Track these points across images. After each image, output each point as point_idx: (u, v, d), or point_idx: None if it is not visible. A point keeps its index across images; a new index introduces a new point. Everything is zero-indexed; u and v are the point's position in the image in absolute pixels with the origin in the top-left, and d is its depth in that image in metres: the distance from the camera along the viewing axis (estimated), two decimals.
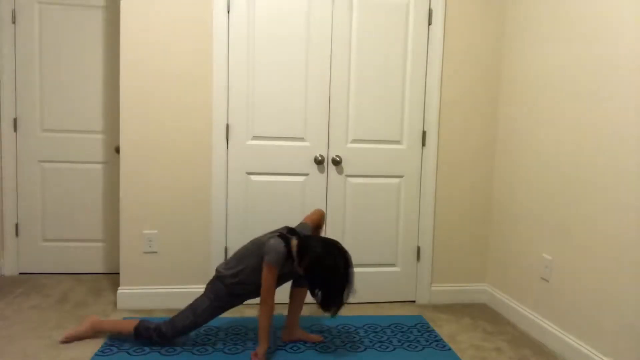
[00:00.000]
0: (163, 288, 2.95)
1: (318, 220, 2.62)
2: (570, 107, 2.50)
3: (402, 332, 2.73)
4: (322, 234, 2.68)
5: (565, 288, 2.52)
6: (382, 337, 2.66)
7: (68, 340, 2.47)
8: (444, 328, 2.82)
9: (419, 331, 2.75)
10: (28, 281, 3.34)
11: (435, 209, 3.16)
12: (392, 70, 3.05)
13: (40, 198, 3.47)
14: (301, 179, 3.03)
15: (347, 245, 3.11)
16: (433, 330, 2.76)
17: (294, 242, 2.34)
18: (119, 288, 2.96)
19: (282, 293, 2.71)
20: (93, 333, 2.51)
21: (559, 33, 2.60)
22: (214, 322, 2.77)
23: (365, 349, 2.51)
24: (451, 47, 3.08)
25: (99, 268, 3.56)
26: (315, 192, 3.05)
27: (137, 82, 2.86)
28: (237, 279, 2.38)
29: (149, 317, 2.77)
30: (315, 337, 2.58)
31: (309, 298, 3.09)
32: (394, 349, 2.52)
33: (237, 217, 2.99)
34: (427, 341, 2.62)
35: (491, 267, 3.22)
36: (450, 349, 2.54)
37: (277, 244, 2.29)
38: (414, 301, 3.22)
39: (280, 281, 2.40)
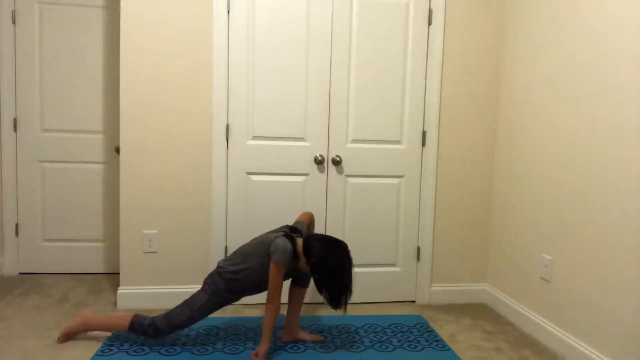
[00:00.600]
0: (163, 288, 2.95)
1: (311, 219, 2.67)
2: (570, 107, 2.50)
3: (402, 332, 2.73)
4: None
5: (565, 288, 2.52)
6: (382, 337, 2.66)
7: (62, 340, 2.46)
8: (444, 328, 2.82)
9: (419, 331, 2.74)
10: (28, 281, 3.34)
11: (435, 209, 3.16)
12: (392, 70, 3.05)
13: (40, 198, 3.47)
14: (301, 179, 3.03)
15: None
16: (433, 331, 2.76)
17: (299, 241, 2.37)
18: (119, 288, 2.96)
19: (282, 293, 2.71)
20: (85, 328, 2.47)
21: (559, 33, 2.60)
22: (213, 322, 2.77)
23: (365, 349, 2.51)
24: (451, 47, 3.08)
25: (99, 268, 3.56)
26: (315, 192, 3.05)
27: (137, 82, 2.86)
28: (239, 276, 2.37)
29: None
30: (315, 336, 2.58)
31: (308, 298, 3.10)
32: (394, 349, 2.52)
33: (237, 217, 3.00)
34: (427, 341, 2.62)
35: (491, 267, 3.22)
36: (450, 349, 2.54)
37: (285, 243, 2.30)
38: (414, 301, 3.22)
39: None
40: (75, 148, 3.47)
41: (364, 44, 3.01)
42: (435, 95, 3.08)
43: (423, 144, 3.13)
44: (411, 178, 3.14)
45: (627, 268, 2.13)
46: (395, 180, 3.13)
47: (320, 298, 3.11)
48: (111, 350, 2.40)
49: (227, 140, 2.96)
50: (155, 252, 2.96)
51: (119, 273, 3.02)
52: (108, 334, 2.55)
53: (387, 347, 2.53)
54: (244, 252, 2.42)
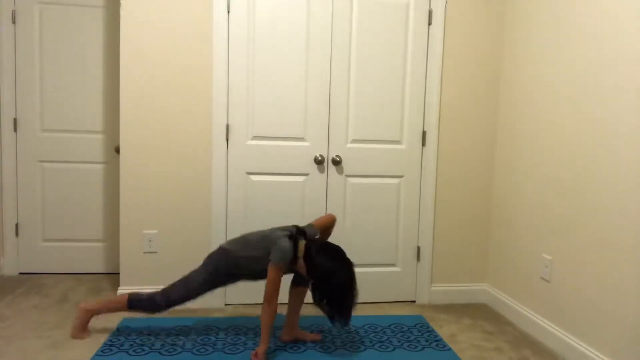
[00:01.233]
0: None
1: (326, 224, 2.60)
2: (570, 107, 2.50)
3: (402, 332, 2.73)
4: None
5: (565, 288, 2.52)
6: (382, 337, 2.66)
7: (77, 337, 2.50)
8: (444, 328, 2.82)
9: (419, 331, 2.74)
10: (28, 281, 3.34)
11: (435, 209, 3.16)
12: (392, 70, 3.05)
13: (40, 198, 3.47)
14: (301, 179, 3.03)
15: (347, 245, 3.11)
16: (433, 330, 2.76)
17: (301, 244, 2.34)
18: (119, 288, 2.96)
19: (281, 292, 2.71)
20: (90, 316, 2.53)
21: (559, 33, 2.60)
22: (214, 322, 2.77)
23: (365, 349, 2.51)
24: (451, 47, 3.08)
25: (99, 268, 3.56)
26: (315, 192, 3.05)
27: (137, 82, 2.86)
28: (238, 261, 2.40)
29: (149, 318, 2.77)
30: (315, 336, 2.58)
31: (308, 298, 3.10)
32: (394, 349, 2.52)
33: (237, 217, 2.99)
34: (427, 341, 2.62)
35: (491, 267, 3.22)
36: (450, 349, 2.54)
37: (287, 248, 2.29)
38: (414, 301, 3.22)
39: None
40: (75, 148, 3.47)
41: (364, 44, 3.01)
42: (435, 95, 3.08)
43: (423, 144, 3.13)
44: (411, 178, 3.14)
45: (627, 268, 2.13)
46: (395, 180, 3.13)
47: None
48: (111, 350, 2.40)
49: (227, 140, 2.96)
50: (155, 252, 2.96)
51: (119, 273, 3.02)
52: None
53: (387, 347, 2.53)
54: (247, 241, 2.43)
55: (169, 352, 2.41)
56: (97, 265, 3.56)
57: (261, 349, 2.30)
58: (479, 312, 3.08)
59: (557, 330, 2.57)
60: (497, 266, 3.15)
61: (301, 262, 2.33)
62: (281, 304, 2.97)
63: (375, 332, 2.72)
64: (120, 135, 2.89)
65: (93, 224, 3.53)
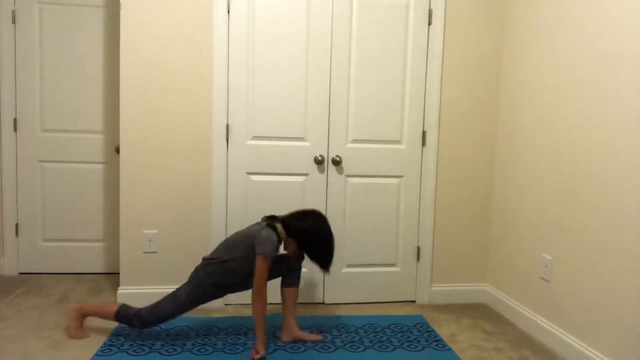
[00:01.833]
0: (163, 288, 2.95)
1: None
2: (570, 107, 2.50)
3: (402, 332, 2.73)
4: None
5: (565, 288, 2.52)
6: (382, 337, 2.66)
7: (75, 337, 2.51)
8: (444, 328, 2.82)
9: (419, 331, 2.74)
10: (28, 281, 3.34)
11: (435, 209, 3.16)
12: (392, 70, 3.05)
13: (40, 198, 3.47)
14: (301, 179, 3.03)
15: (347, 245, 3.12)
16: (433, 330, 2.76)
17: (279, 226, 2.41)
18: (119, 288, 2.96)
19: (275, 294, 2.73)
20: (81, 314, 2.54)
21: (559, 33, 2.60)
22: (214, 322, 2.77)
23: (365, 349, 2.51)
24: (451, 47, 3.08)
25: (99, 268, 3.56)
26: (315, 192, 3.05)
27: (137, 82, 2.86)
28: (223, 269, 2.41)
29: None
30: (315, 336, 2.58)
31: (307, 298, 3.10)
32: (394, 349, 2.52)
33: (237, 217, 2.99)
34: (427, 341, 2.62)
35: (491, 267, 3.22)
36: (450, 349, 2.54)
37: (270, 234, 2.34)
38: (414, 301, 3.22)
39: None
40: (75, 148, 3.47)
41: (364, 44, 3.01)
42: (435, 95, 3.08)
43: (423, 144, 3.13)
44: (411, 178, 3.14)
45: (627, 268, 2.13)
46: (395, 180, 3.13)
47: (319, 298, 3.12)
48: (111, 350, 2.40)
49: (227, 140, 2.96)
50: (155, 252, 2.96)
51: (119, 273, 3.02)
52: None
53: (387, 347, 2.53)
54: (227, 245, 2.46)
55: (169, 352, 2.41)
56: (97, 265, 3.56)
57: (259, 342, 2.33)
58: (479, 312, 3.08)
59: (557, 330, 2.56)
60: (497, 266, 3.15)
61: (287, 240, 2.43)
62: (279, 303, 2.97)
63: (375, 332, 2.72)
64: (120, 135, 2.89)
65: (93, 224, 3.53)
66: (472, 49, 3.10)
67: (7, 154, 3.41)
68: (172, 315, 2.47)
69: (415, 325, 2.83)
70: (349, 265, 3.14)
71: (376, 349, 2.51)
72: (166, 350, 2.42)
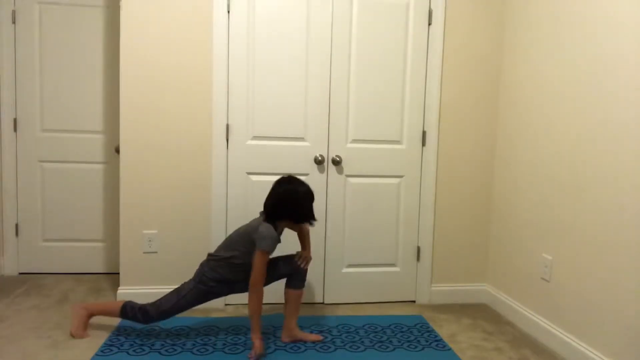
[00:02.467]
0: (163, 288, 2.95)
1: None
2: (570, 107, 2.50)
3: (402, 332, 2.73)
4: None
5: (565, 288, 2.52)
6: (382, 337, 2.66)
7: (78, 335, 2.52)
8: (444, 328, 2.82)
9: (419, 331, 2.74)
10: (28, 281, 3.34)
11: (435, 209, 3.16)
12: (392, 70, 3.05)
13: (40, 198, 3.47)
14: (301, 179, 3.02)
15: (347, 245, 3.13)
16: (433, 330, 2.76)
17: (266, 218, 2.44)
18: (119, 288, 2.96)
19: (278, 293, 2.73)
20: (87, 314, 2.56)
21: (559, 33, 2.60)
22: (214, 322, 2.77)
23: (365, 349, 2.51)
24: (451, 47, 3.08)
25: (99, 268, 3.56)
26: (315, 192, 3.03)
27: (137, 82, 2.86)
28: (225, 264, 2.43)
29: None
30: (315, 336, 2.58)
31: (307, 298, 3.10)
32: (394, 349, 2.52)
33: (237, 217, 2.99)
34: (427, 341, 2.62)
35: (491, 267, 3.22)
36: (450, 349, 2.54)
37: (268, 230, 2.36)
38: (414, 301, 3.22)
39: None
40: (75, 148, 3.47)
41: (364, 44, 3.01)
42: (435, 95, 3.08)
43: (423, 144, 3.13)
44: (411, 178, 3.14)
45: (627, 268, 2.13)
46: (395, 180, 3.13)
47: (319, 298, 3.12)
48: (111, 350, 2.40)
49: (227, 140, 2.96)
50: (155, 252, 2.96)
51: (119, 273, 3.02)
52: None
53: (387, 347, 2.53)
54: (228, 243, 2.48)
55: (169, 352, 2.41)
56: (97, 265, 3.56)
57: (256, 338, 2.34)
58: (479, 312, 3.08)
59: (557, 330, 2.56)
60: (497, 266, 3.15)
61: (284, 223, 2.44)
62: (279, 304, 2.97)
63: (375, 332, 2.72)
64: (120, 135, 2.89)
65: (93, 224, 3.53)
66: (472, 49, 3.10)
67: (7, 154, 3.41)
68: (176, 310, 2.47)
69: (415, 325, 2.83)
70: (349, 265, 3.14)
71: (376, 349, 2.51)
72: (166, 350, 2.42)
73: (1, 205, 3.43)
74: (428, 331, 2.75)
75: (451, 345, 2.59)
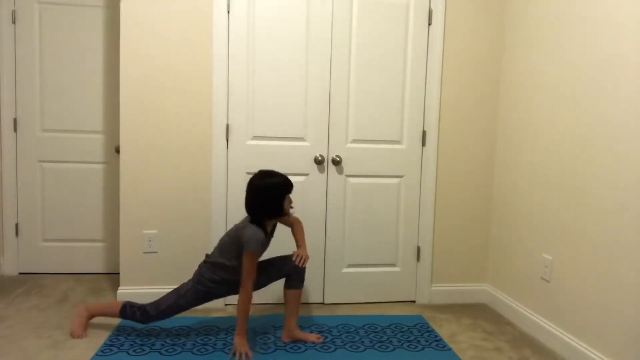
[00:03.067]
0: (163, 288, 2.95)
1: (290, 221, 2.63)
2: (570, 107, 2.50)
3: (402, 332, 2.73)
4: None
5: (565, 288, 2.52)
6: (382, 337, 2.66)
7: (77, 335, 2.52)
8: (444, 328, 2.82)
9: (419, 331, 2.74)
10: (28, 281, 3.34)
11: (435, 209, 3.16)
12: (392, 70, 3.05)
13: (40, 198, 3.47)
14: (301, 179, 3.03)
15: (347, 245, 3.13)
16: (433, 330, 2.76)
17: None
18: (119, 288, 2.96)
19: (277, 293, 2.73)
20: (88, 315, 2.58)
21: (559, 33, 2.60)
22: (214, 322, 2.77)
23: (365, 349, 2.51)
24: (451, 47, 3.08)
25: (99, 268, 3.56)
26: (315, 192, 3.05)
27: (137, 82, 2.86)
28: (222, 266, 2.43)
29: None
30: (315, 336, 2.58)
31: (306, 298, 3.10)
32: (394, 349, 2.52)
33: (237, 217, 2.98)
34: (427, 341, 2.62)
35: (491, 267, 3.22)
36: (450, 349, 2.54)
37: (254, 231, 2.34)
38: (414, 301, 3.22)
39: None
40: (75, 148, 3.47)
41: (364, 44, 3.01)
42: (435, 95, 3.08)
43: (423, 144, 3.13)
44: (411, 178, 3.14)
45: (627, 268, 2.13)
46: (395, 180, 3.13)
47: (319, 298, 3.12)
48: (111, 350, 2.40)
49: (227, 140, 2.96)
50: (155, 252, 2.96)
51: (119, 273, 3.02)
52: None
53: (387, 347, 2.53)
54: (222, 246, 2.48)
55: (169, 352, 2.41)
56: (97, 265, 3.56)
57: (240, 337, 2.34)
58: (479, 312, 3.08)
59: (557, 330, 2.57)
60: (497, 266, 3.15)
61: (267, 221, 2.42)
62: (279, 304, 2.97)
63: (375, 332, 2.72)
64: (120, 135, 2.89)
65: (93, 224, 3.53)
66: (472, 49, 3.10)
67: (7, 154, 3.41)
68: (175, 310, 2.49)
69: (415, 325, 2.83)
70: (349, 265, 3.14)
71: (376, 349, 2.51)
72: (166, 350, 2.42)
73: (1, 205, 3.43)
74: (428, 331, 2.75)
75: (451, 345, 2.59)
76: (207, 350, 2.44)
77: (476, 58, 3.11)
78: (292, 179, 2.99)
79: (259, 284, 2.52)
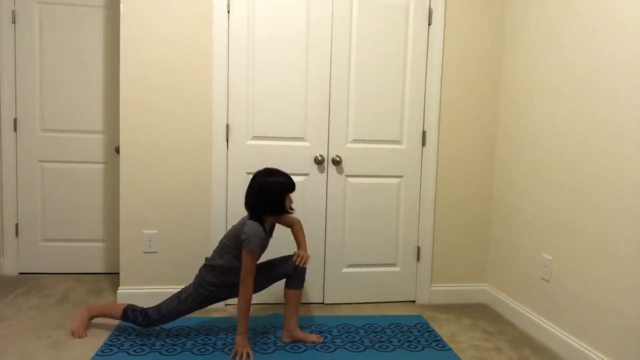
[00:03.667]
0: (163, 288, 2.95)
1: (289, 222, 2.63)
2: (570, 107, 2.50)
3: (402, 332, 2.73)
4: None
5: (565, 288, 2.52)
6: (382, 337, 2.66)
7: (78, 334, 2.53)
8: (444, 328, 2.82)
9: (419, 331, 2.74)
10: (28, 281, 3.34)
11: (435, 209, 3.16)
12: (392, 70, 3.05)
13: (40, 198, 3.47)
14: (301, 179, 3.03)
15: (347, 245, 3.13)
16: (433, 330, 2.76)
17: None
18: (119, 288, 2.96)
19: (277, 293, 2.73)
20: (90, 316, 2.59)
21: (559, 33, 2.60)
22: (214, 322, 2.77)
23: (365, 349, 2.51)
24: (451, 47, 3.08)
25: (99, 268, 3.56)
26: (315, 192, 3.05)
27: (137, 82, 2.86)
28: (220, 270, 2.43)
29: None
30: (315, 337, 2.58)
31: (306, 298, 3.10)
32: (394, 349, 2.52)
33: (237, 217, 2.97)
34: (427, 341, 2.62)
35: (491, 267, 3.22)
36: (450, 349, 2.54)
37: (254, 227, 2.35)
38: (414, 301, 3.22)
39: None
40: (75, 148, 3.47)
41: (364, 44, 3.01)
42: (435, 95, 3.08)
43: (423, 144, 3.13)
44: (411, 178, 3.14)
45: (627, 268, 2.13)
46: (395, 180, 3.13)
47: (319, 298, 3.12)
48: (111, 350, 2.40)
49: (227, 140, 2.96)
50: (155, 252, 2.96)
51: (119, 273, 3.02)
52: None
53: (387, 347, 2.53)
54: (221, 247, 2.48)
55: (169, 352, 2.41)
56: (97, 265, 3.56)
57: (242, 334, 2.34)
58: (479, 312, 3.08)
59: (557, 330, 2.57)
60: (497, 266, 3.15)
61: (267, 218, 2.43)
62: (279, 304, 2.97)
63: (375, 332, 2.72)
64: (120, 135, 2.89)
65: (93, 224, 3.53)
66: (472, 49, 3.10)
67: (7, 154, 3.41)
68: (177, 314, 2.49)
69: (415, 325, 2.83)
70: (349, 265, 3.14)
71: (376, 349, 2.51)
72: (166, 350, 2.42)
73: (1, 205, 3.43)
74: (428, 331, 2.75)
75: (451, 345, 2.59)
76: (207, 350, 2.44)
77: (476, 58, 3.11)
78: (293, 179, 3.00)
79: (259, 286, 2.53)
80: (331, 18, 2.97)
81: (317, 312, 2.99)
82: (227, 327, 2.71)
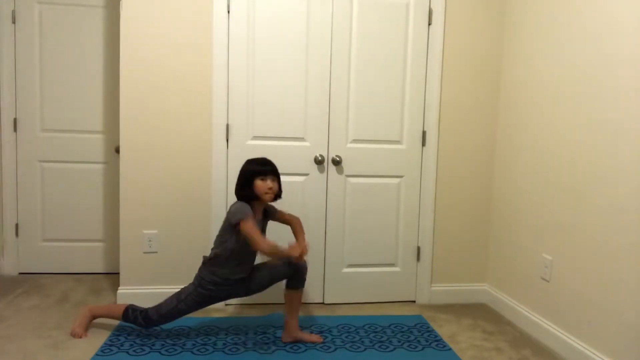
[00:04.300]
0: (163, 288, 2.95)
1: (289, 220, 2.62)
2: (570, 107, 2.50)
3: (402, 332, 2.73)
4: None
5: (565, 288, 2.52)
6: (382, 337, 2.66)
7: (78, 335, 2.53)
8: (444, 328, 2.82)
9: (419, 331, 2.74)
10: (28, 281, 3.34)
11: (435, 209, 3.16)
12: (392, 70, 3.05)
13: (40, 198, 3.47)
14: (301, 179, 3.03)
15: (347, 245, 3.13)
16: (433, 330, 2.76)
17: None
18: (119, 288, 2.96)
19: (278, 294, 2.73)
20: (92, 316, 2.60)
21: (559, 33, 2.60)
22: (214, 322, 2.77)
23: (365, 349, 2.51)
24: (451, 47, 3.08)
25: (99, 268, 3.56)
26: (315, 192, 3.05)
27: (137, 82, 2.86)
28: (219, 259, 2.44)
29: None
30: (315, 337, 2.58)
31: (306, 298, 3.10)
32: (394, 349, 2.52)
33: None
34: (427, 341, 2.62)
35: (491, 267, 3.22)
36: (450, 349, 2.54)
37: (237, 204, 2.38)
38: (414, 301, 3.22)
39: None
40: (75, 148, 3.47)
41: (364, 44, 3.01)
42: (435, 95, 3.08)
43: (423, 144, 3.13)
44: (411, 178, 3.14)
45: (627, 268, 2.13)
46: (395, 180, 3.13)
47: (319, 298, 3.12)
48: (111, 350, 2.40)
49: (227, 140, 2.96)
50: (155, 252, 2.96)
51: (119, 273, 3.02)
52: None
53: (387, 347, 2.53)
54: (216, 238, 2.50)
55: (169, 352, 2.41)
56: (97, 265, 3.56)
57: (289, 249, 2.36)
58: (479, 312, 3.08)
59: (557, 330, 2.57)
60: (497, 266, 3.15)
61: (257, 204, 2.45)
62: (279, 304, 2.97)
63: (375, 332, 2.72)
64: (120, 135, 2.89)
65: (93, 224, 3.53)
66: (472, 49, 3.10)
67: (7, 154, 3.41)
68: (177, 314, 2.49)
69: (415, 325, 2.83)
70: (349, 265, 3.14)
71: (376, 349, 2.51)
72: (166, 350, 2.42)
73: (1, 205, 3.43)
74: (428, 331, 2.75)
75: (451, 345, 2.59)
76: (207, 350, 2.44)
77: (476, 58, 3.11)
78: (292, 179, 3.02)
79: (260, 287, 2.53)
80: (331, 18, 2.97)
81: (317, 312, 2.99)
82: (227, 327, 2.71)
